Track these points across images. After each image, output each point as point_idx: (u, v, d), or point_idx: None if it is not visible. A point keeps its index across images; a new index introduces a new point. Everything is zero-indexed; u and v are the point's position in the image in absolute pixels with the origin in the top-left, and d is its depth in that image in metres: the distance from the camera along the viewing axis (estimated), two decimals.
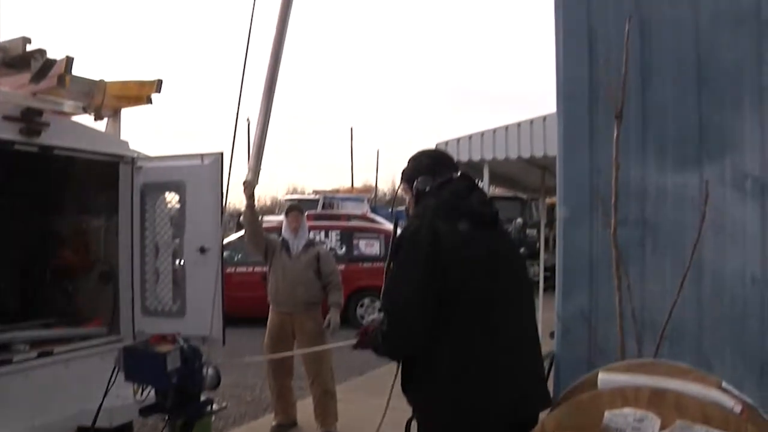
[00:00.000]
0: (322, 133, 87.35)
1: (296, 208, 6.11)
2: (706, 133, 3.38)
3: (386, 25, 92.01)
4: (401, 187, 2.78)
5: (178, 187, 4.89)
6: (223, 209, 4.64)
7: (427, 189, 2.63)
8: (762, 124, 3.28)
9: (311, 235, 6.49)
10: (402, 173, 2.79)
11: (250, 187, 4.82)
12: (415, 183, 2.68)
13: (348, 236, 12.01)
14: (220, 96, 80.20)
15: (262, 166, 4.71)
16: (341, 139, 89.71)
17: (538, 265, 11.85)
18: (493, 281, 2.47)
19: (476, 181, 2.90)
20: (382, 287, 2.53)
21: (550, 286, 6.71)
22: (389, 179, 57.16)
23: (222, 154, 4.67)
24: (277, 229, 7.15)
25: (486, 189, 9.63)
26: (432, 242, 2.40)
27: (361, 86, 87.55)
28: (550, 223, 13.40)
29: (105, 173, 5.05)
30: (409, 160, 2.80)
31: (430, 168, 2.69)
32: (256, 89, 4.53)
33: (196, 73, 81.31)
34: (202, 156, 4.79)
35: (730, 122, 3.35)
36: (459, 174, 2.71)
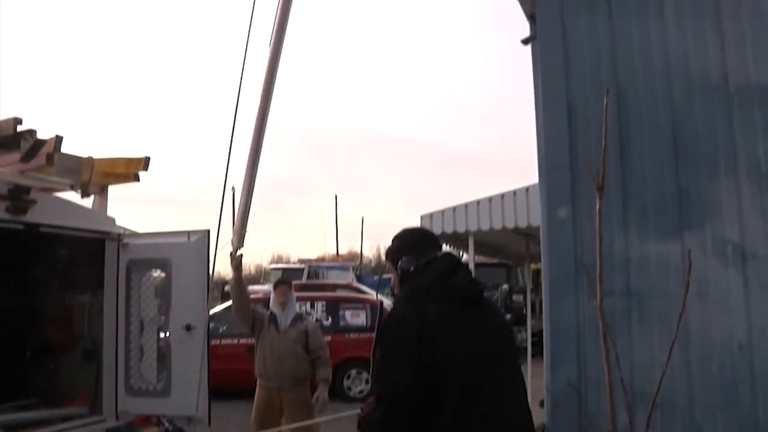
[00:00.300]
0: (307, 200, 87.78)
1: (285, 282, 6.07)
2: (686, 201, 3.45)
3: (368, 88, 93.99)
4: (387, 265, 2.79)
5: (164, 265, 4.89)
6: (209, 287, 4.62)
7: (412, 269, 2.64)
8: (738, 191, 3.36)
9: (298, 306, 6.45)
10: (386, 252, 2.81)
11: (237, 258, 4.82)
12: (399, 263, 2.69)
13: (334, 307, 11.92)
14: (205, 164, 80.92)
15: (247, 230, 4.76)
16: (326, 205, 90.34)
17: (526, 331, 11.80)
18: (483, 361, 2.45)
19: (461, 253, 2.94)
20: (371, 371, 2.52)
21: (538, 352, 6.68)
22: (374, 245, 57.30)
23: (208, 231, 4.70)
24: (263, 300, 7.10)
25: (471, 259, 9.67)
26: (418, 327, 2.40)
27: (345, 151, 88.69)
28: (536, 287, 13.43)
29: (91, 250, 5.04)
30: (394, 238, 2.82)
31: (413, 247, 2.71)
32: (241, 156, 4.64)
33: (182, 141, 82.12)
34: (188, 233, 4.80)
35: (708, 190, 3.42)
36: (443, 253, 2.73)
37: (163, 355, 4.85)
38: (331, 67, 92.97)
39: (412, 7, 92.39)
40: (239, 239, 4.74)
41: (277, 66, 4.74)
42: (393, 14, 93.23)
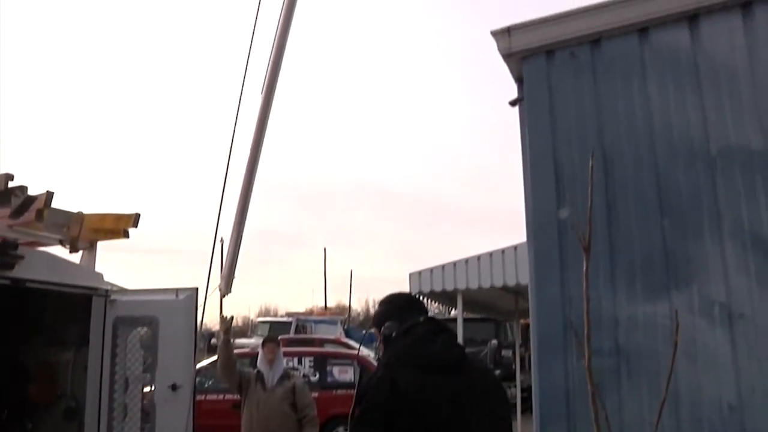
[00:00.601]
0: (296, 252, 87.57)
1: (273, 339, 6.02)
2: (672, 261, 3.48)
3: (358, 140, 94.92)
4: (373, 330, 2.82)
5: (151, 322, 4.83)
6: (196, 346, 4.58)
7: (394, 334, 2.66)
8: (723, 251, 3.40)
9: (285, 361, 6.39)
10: (373, 317, 2.85)
11: (227, 322, 4.83)
12: (382, 328, 2.72)
13: (321, 362, 11.78)
14: (192, 215, 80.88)
15: (235, 276, 4.78)
16: (314, 257, 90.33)
17: (515, 386, 11.70)
18: (458, 428, 2.44)
19: (450, 310, 2.97)
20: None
21: (528, 408, 6.62)
22: (363, 298, 56.99)
23: (197, 289, 4.68)
24: (252, 354, 7.03)
25: (459, 316, 9.65)
26: (390, 396, 2.42)
27: (334, 203, 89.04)
28: (526, 342, 13.37)
29: (77, 306, 4.99)
30: (379, 303, 2.89)
31: (396, 313, 2.74)
32: (230, 202, 4.69)
33: (169, 192, 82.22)
34: (176, 291, 4.77)
35: (694, 250, 3.46)
36: (425, 318, 2.74)
37: (148, 415, 4.76)
38: (322, 118, 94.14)
39: (404, 60, 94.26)
40: (227, 285, 4.77)
41: (269, 114, 4.85)
42: (384, 67, 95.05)
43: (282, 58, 5.13)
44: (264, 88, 4.95)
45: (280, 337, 7.11)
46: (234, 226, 4.71)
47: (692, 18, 3.67)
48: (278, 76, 4.99)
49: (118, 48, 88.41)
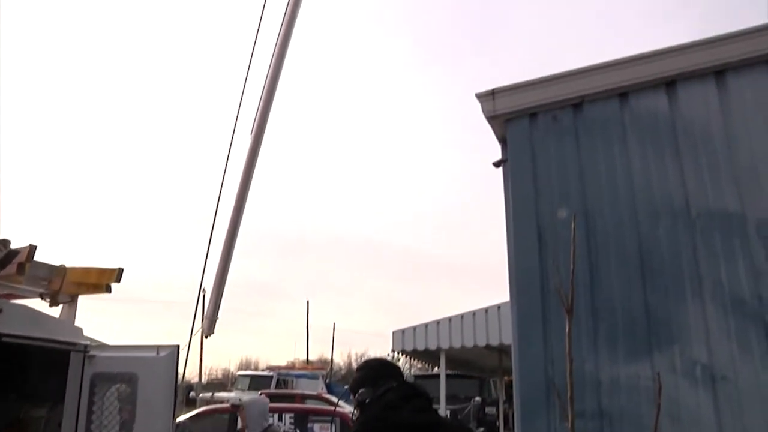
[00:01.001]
0: (278, 304, 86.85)
1: (235, 406, 5.82)
2: (654, 323, 3.50)
3: (341, 193, 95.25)
4: (351, 395, 2.83)
5: (130, 380, 4.72)
6: (176, 405, 4.48)
7: (367, 401, 2.68)
8: (704, 313, 3.42)
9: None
10: (349, 384, 2.86)
11: None
12: (356, 395, 2.74)
13: (302, 419, 11.56)
14: (170, 266, 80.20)
15: (218, 317, 4.75)
16: (297, 310, 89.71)
17: None
18: None
19: (433, 368, 2.98)
20: None
21: None
22: (345, 351, 56.30)
23: (178, 346, 4.61)
24: (229, 411, 6.92)
25: (442, 374, 9.57)
26: None
27: (317, 256, 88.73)
28: (509, 399, 13.21)
29: (54, 361, 4.87)
30: (356, 369, 2.91)
31: (371, 379, 2.77)
32: (214, 245, 4.67)
33: (149, 242, 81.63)
34: (157, 348, 4.69)
35: (675, 312, 3.48)
36: (398, 383, 2.75)
37: None
38: (309, 170, 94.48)
39: (390, 116, 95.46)
40: (210, 325, 4.73)
41: (258, 154, 4.90)
42: (369, 120, 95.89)
43: (271, 106, 5.22)
44: (253, 130, 5.04)
45: (260, 393, 6.97)
46: (219, 265, 4.69)
47: (669, 84, 3.79)
48: (267, 122, 5.08)
49: (101, 96, 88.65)
